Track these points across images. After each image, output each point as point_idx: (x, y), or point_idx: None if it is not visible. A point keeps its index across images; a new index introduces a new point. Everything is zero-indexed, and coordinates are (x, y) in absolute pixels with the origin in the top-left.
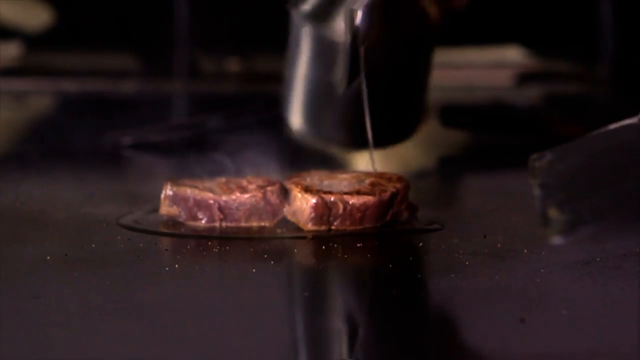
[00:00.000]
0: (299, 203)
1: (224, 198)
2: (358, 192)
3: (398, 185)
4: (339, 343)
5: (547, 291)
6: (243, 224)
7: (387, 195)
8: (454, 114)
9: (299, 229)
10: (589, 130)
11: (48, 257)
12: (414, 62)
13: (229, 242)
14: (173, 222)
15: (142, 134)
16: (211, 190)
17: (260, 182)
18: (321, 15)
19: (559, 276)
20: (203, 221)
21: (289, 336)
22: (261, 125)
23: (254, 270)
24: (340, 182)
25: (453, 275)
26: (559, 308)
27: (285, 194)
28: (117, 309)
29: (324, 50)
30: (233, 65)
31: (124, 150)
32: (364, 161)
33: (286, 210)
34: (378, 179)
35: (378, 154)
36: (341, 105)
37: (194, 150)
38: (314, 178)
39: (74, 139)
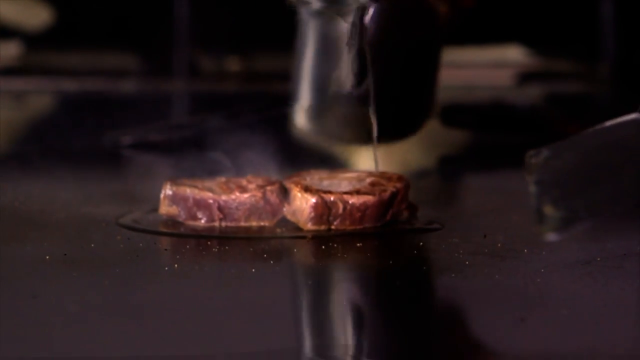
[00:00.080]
0: (298, 203)
1: (224, 198)
2: (358, 192)
3: (398, 185)
4: (339, 342)
5: (548, 291)
6: (243, 224)
7: (387, 194)
8: (455, 114)
9: (299, 229)
10: None
11: (47, 257)
12: (423, 59)
13: (229, 241)
14: (172, 221)
15: (141, 133)
16: (211, 190)
17: (259, 181)
18: (328, 12)
19: (560, 276)
20: (202, 221)
21: (289, 336)
22: (261, 125)
23: (253, 270)
24: (340, 181)
25: (453, 275)
26: (559, 308)
27: (285, 193)
28: (116, 309)
29: (330, 46)
30: (233, 64)
31: (124, 150)
32: (365, 160)
33: (286, 210)
34: (378, 179)
35: (378, 153)
36: (347, 102)
37: (193, 150)
38: (314, 177)
39: (74, 138)
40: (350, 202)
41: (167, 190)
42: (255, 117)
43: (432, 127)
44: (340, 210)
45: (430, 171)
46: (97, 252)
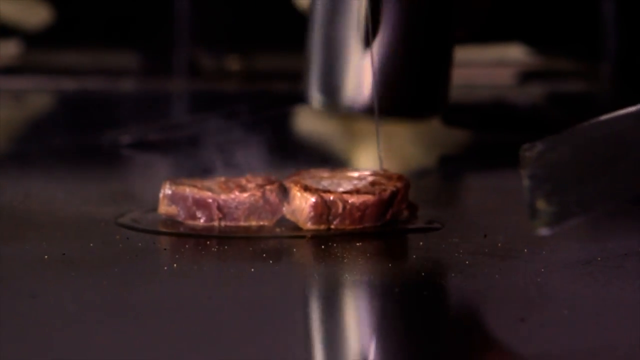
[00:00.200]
0: (298, 202)
1: (223, 197)
2: (358, 191)
3: (398, 184)
4: (339, 342)
5: (548, 291)
6: (242, 223)
7: (387, 194)
8: (456, 113)
9: (298, 228)
10: None
11: (46, 257)
12: (442, 34)
13: (228, 241)
14: (172, 221)
15: (141, 132)
16: (210, 189)
17: (259, 181)
18: None
19: (560, 276)
20: (202, 220)
21: (288, 336)
22: (261, 124)
23: (252, 270)
24: (339, 181)
25: (453, 275)
26: (559, 308)
27: (284, 192)
28: (115, 309)
29: (341, 8)
30: (233, 63)
31: (123, 149)
32: (365, 160)
33: (285, 209)
34: (378, 178)
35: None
36: (360, 69)
37: (193, 149)
38: (314, 177)
39: (73, 137)
40: (350, 201)
41: (166, 190)
42: (255, 117)
43: (433, 126)
44: (340, 209)
45: (430, 170)
46: (96, 251)
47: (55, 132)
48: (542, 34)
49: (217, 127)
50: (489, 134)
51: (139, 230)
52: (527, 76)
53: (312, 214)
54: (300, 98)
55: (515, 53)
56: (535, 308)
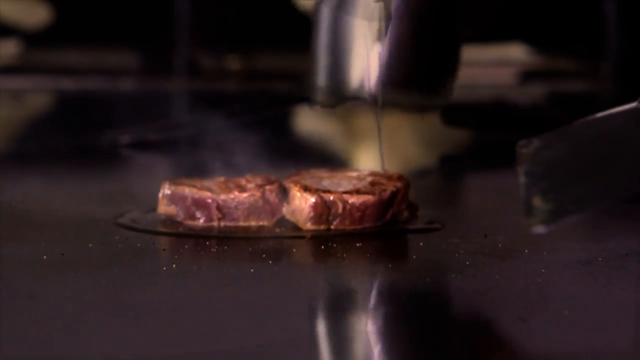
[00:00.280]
0: (298, 202)
1: (223, 197)
2: (358, 191)
3: (398, 184)
4: (339, 343)
5: (548, 291)
6: (242, 224)
7: (387, 194)
8: (456, 112)
9: (298, 229)
10: None
11: (45, 257)
12: (450, 15)
13: (228, 241)
14: (171, 221)
15: (140, 132)
16: (209, 189)
17: (259, 181)
18: None
19: (560, 276)
20: (201, 220)
21: (288, 336)
22: (261, 124)
23: (252, 270)
24: (339, 181)
25: (453, 275)
26: (560, 308)
27: (284, 193)
28: (114, 309)
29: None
30: (233, 63)
31: (122, 149)
32: (366, 160)
33: (285, 210)
34: (378, 178)
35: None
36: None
37: (193, 149)
38: (314, 177)
39: (72, 137)
40: (349, 201)
41: (166, 190)
42: (255, 117)
43: (433, 125)
44: (340, 209)
45: (430, 170)
46: (95, 252)
47: (55, 132)
48: (543, 34)
49: (217, 127)
50: (490, 134)
51: (138, 231)
52: (528, 76)
53: (312, 214)
54: (302, 98)
55: (516, 52)
56: (535, 308)
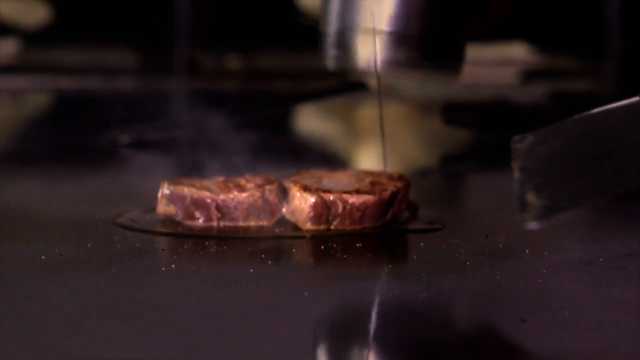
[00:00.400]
0: (297, 202)
1: (222, 197)
2: (358, 191)
3: (398, 184)
4: (339, 343)
5: (549, 292)
6: (241, 224)
7: (387, 194)
8: (457, 112)
9: (298, 229)
10: None
11: (43, 257)
12: None
13: (227, 241)
14: (170, 221)
15: (140, 132)
16: (209, 189)
17: (258, 180)
18: None
19: (561, 276)
20: (200, 220)
21: (287, 337)
22: (261, 124)
23: (251, 270)
24: (339, 180)
25: (454, 276)
26: (560, 309)
27: (283, 192)
28: (112, 310)
29: None
30: (233, 62)
31: (122, 149)
32: (367, 160)
33: (285, 210)
34: (378, 178)
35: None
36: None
37: (192, 149)
38: (313, 177)
39: (71, 136)
40: (349, 201)
41: (165, 190)
42: (255, 116)
43: (434, 125)
44: (340, 209)
45: (431, 170)
46: (93, 252)
47: (54, 132)
48: (545, 33)
49: (216, 127)
50: (491, 134)
51: (137, 231)
52: (530, 75)
53: (311, 214)
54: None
55: (518, 52)
56: (536, 309)
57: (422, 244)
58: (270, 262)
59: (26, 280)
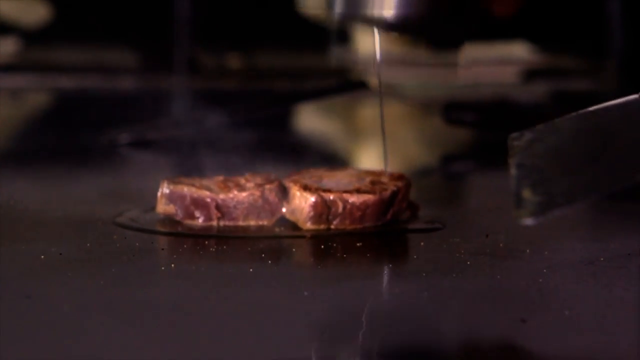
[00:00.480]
0: (297, 201)
1: (222, 196)
2: (358, 191)
3: (399, 184)
4: (339, 343)
5: (550, 291)
6: (241, 223)
7: (387, 193)
8: (458, 111)
9: (298, 228)
10: None
11: (42, 256)
12: None
13: (227, 241)
14: (170, 220)
15: (140, 131)
16: (208, 189)
17: (258, 180)
18: None
19: (562, 276)
20: (200, 220)
21: (287, 337)
22: (261, 123)
23: (251, 270)
24: (340, 180)
25: (454, 275)
26: (561, 308)
27: (284, 192)
28: (112, 309)
29: None
30: (234, 61)
31: (121, 148)
32: (367, 160)
33: (285, 209)
34: (378, 177)
35: (375, 153)
36: None
37: (192, 148)
38: (313, 176)
39: (71, 136)
40: (350, 201)
41: (164, 189)
42: (255, 115)
43: (435, 124)
44: (340, 209)
45: (432, 169)
46: (93, 251)
47: (53, 131)
48: (546, 32)
49: (217, 126)
50: (492, 133)
51: (137, 230)
52: (531, 74)
53: (311, 213)
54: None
55: (520, 51)
56: (536, 309)
57: (422, 244)
58: (270, 261)
59: (26, 280)
